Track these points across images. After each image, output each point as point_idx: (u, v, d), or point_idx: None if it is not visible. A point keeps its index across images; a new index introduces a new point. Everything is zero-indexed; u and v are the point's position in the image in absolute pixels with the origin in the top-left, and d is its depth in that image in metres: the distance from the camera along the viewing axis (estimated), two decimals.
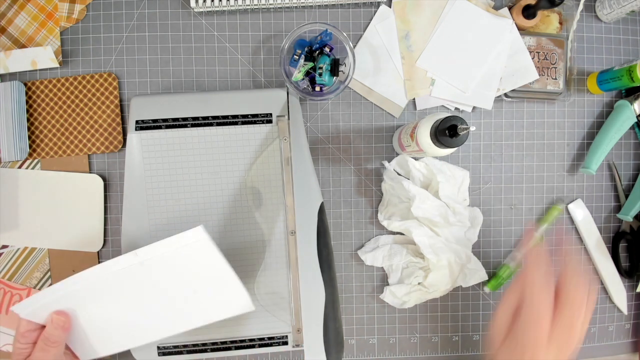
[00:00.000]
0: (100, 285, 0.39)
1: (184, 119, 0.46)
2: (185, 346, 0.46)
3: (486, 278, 0.50)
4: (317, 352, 0.36)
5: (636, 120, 0.50)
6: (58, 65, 0.48)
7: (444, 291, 0.49)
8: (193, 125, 0.46)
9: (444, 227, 0.47)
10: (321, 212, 0.41)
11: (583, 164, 0.51)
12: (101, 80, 0.49)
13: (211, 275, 0.40)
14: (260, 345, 0.46)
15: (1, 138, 0.47)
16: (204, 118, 0.46)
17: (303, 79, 0.47)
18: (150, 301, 0.41)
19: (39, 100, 0.49)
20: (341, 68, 0.48)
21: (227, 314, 0.42)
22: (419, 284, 0.49)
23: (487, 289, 0.51)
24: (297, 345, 0.46)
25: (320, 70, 0.46)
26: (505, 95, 0.51)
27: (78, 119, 0.49)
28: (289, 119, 0.46)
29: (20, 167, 0.49)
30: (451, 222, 0.46)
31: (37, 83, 0.49)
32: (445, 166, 0.49)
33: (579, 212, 0.52)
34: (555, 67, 0.50)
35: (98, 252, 0.49)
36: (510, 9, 0.50)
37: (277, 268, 0.47)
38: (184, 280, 0.40)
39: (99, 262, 0.49)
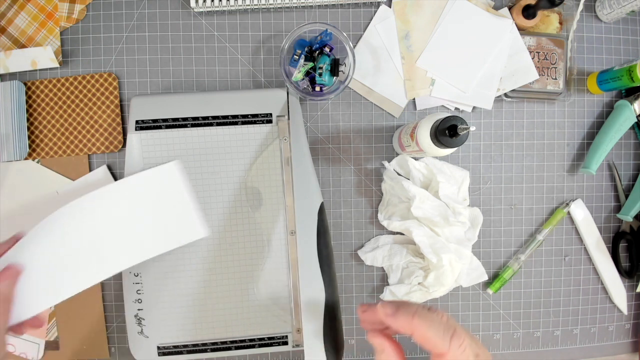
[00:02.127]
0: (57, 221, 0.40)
1: (184, 119, 0.46)
2: (185, 346, 0.46)
3: (486, 278, 0.50)
4: (317, 352, 0.36)
5: (636, 120, 0.50)
6: (58, 65, 0.48)
7: (444, 291, 0.49)
8: (193, 125, 0.46)
9: (444, 227, 0.47)
10: (321, 212, 0.41)
11: (583, 164, 0.51)
12: (101, 80, 0.49)
13: (170, 203, 0.43)
14: (260, 345, 0.46)
15: (1, 138, 0.47)
16: (204, 118, 0.46)
17: (303, 79, 0.47)
18: (104, 233, 0.41)
19: (39, 100, 0.49)
20: (341, 68, 0.48)
21: (182, 241, 0.43)
22: (419, 284, 0.49)
23: (490, 291, 0.51)
24: (297, 345, 0.46)
25: (320, 70, 0.46)
26: (505, 95, 0.51)
27: (78, 119, 0.49)
28: (288, 119, 0.46)
29: None
30: (451, 222, 0.46)
31: (37, 83, 0.49)
32: (445, 166, 0.49)
33: (579, 212, 0.52)
34: (555, 67, 0.50)
35: None
36: (510, 9, 0.50)
37: (277, 268, 0.47)
38: (142, 209, 0.42)
39: None
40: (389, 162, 0.49)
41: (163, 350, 0.46)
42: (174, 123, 0.46)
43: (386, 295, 0.49)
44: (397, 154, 0.50)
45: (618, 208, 0.53)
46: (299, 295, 0.44)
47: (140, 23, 0.49)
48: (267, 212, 0.47)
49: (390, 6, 0.50)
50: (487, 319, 0.52)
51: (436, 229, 0.48)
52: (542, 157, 0.52)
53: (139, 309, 0.46)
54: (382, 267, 0.51)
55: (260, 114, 0.47)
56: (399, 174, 0.50)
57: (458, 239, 0.48)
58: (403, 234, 0.50)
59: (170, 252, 0.46)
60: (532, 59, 0.50)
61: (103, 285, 0.49)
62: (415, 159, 0.49)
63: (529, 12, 0.49)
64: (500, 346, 0.52)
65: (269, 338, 0.46)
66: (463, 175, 0.49)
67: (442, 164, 0.49)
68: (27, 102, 0.48)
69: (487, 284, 0.52)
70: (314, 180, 0.44)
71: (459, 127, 0.36)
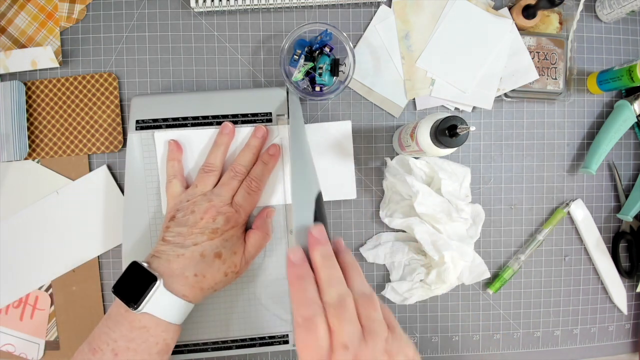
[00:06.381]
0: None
1: (184, 119, 0.46)
2: (185, 345, 0.46)
3: (489, 276, 0.50)
4: None
5: (636, 120, 0.50)
6: (58, 65, 0.48)
7: (445, 288, 0.49)
8: (193, 125, 0.46)
9: (446, 224, 0.47)
10: (319, 199, 0.37)
11: (583, 164, 0.51)
12: (101, 80, 0.49)
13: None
14: (261, 345, 0.46)
15: (1, 138, 0.47)
16: (204, 117, 0.46)
17: (303, 79, 0.47)
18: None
19: (39, 100, 0.49)
20: (341, 68, 0.48)
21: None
22: (420, 280, 0.49)
23: (490, 291, 0.51)
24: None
25: (320, 70, 0.46)
26: (505, 95, 0.51)
27: (78, 119, 0.49)
28: (288, 117, 0.46)
29: None
30: (454, 218, 0.46)
31: (37, 83, 0.49)
32: (447, 164, 0.49)
33: (579, 212, 0.52)
34: (555, 67, 0.50)
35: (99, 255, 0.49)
36: (510, 9, 0.50)
37: (277, 267, 0.47)
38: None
39: (99, 260, 0.49)
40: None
41: None
42: (174, 123, 0.46)
43: (388, 292, 0.49)
44: (397, 154, 0.50)
45: (618, 208, 0.53)
46: None
47: (140, 23, 0.49)
48: None
49: (390, 6, 0.50)
50: (487, 319, 0.52)
51: (438, 225, 0.47)
52: (542, 157, 0.52)
53: None
54: (384, 266, 0.51)
55: (260, 113, 0.47)
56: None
57: (460, 236, 0.48)
58: (405, 232, 0.50)
59: None
60: (532, 59, 0.50)
61: (103, 285, 0.49)
62: (416, 158, 0.49)
63: (529, 12, 0.49)
64: (500, 346, 0.52)
65: (270, 337, 0.46)
66: (464, 172, 0.49)
67: (443, 162, 0.49)
68: (27, 102, 0.48)
69: (487, 284, 0.52)
70: (311, 169, 0.40)
71: (459, 127, 0.36)
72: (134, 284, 0.38)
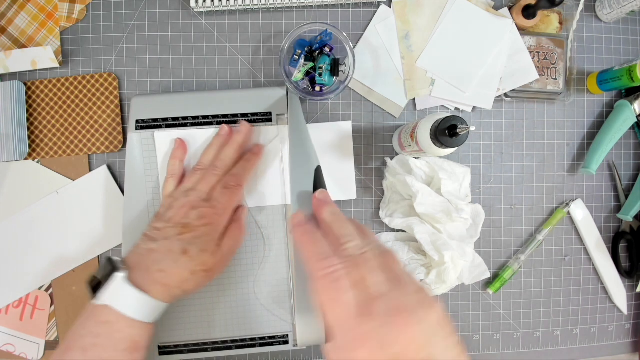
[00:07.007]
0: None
1: (184, 119, 0.46)
2: (185, 345, 0.46)
3: (489, 275, 0.50)
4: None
5: (636, 120, 0.50)
6: (58, 65, 0.48)
7: (445, 288, 0.49)
8: (193, 125, 0.46)
9: (446, 224, 0.47)
10: (318, 171, 0.37)
11: (583, 164, 0.51)
12: (101, 80, 0.49)
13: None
14: (261, 345, 0.46)
15: (1, 138, 0.47)
16: (204, 117, 0.46)
17: (303, 79, 0.47)
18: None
19: (39, 100, 0.49)
20: (341, 68, 0.48)
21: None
22: (420, 280, 0.49)
23: (490, 291, 0.51)
24: (298, 345, 0.46)
25: (320, 70, 0.46)
26: (505, 95, 0.51)
27: (78, 119, 0.49)
28: (288, 117, 0.46)
29: None
30: (454, 218, 0.46)
31: (37, 83, 0.49)
32: (446, 164, 0.49)
33: (579, 212, 0.52)
34: (555, 67, 0.50)
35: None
36: (510, 9, 0.50)
37: (277, 267, 0.47)
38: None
39: (98, 260, 0.49)
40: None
41: (163, 350, 0.46)
42: (174, 123, 0.46)
43: None
44: (397, 154, 0.50)
45: (618, 208, 0.53)
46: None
47: (140, 23, 0.49)
48: (267, 211, 0.47)
49: (390, 6, 0.50)
50: (487, 319, 0.52)
51: (438, 225, 0.47)
52: (542, 157, 0.52)
53: None
54: None
55: (260, 113, 0.47)
56: None
57: (460, 236, 0.48)
58: (405, 232, 0.50)
59: None
60: (532, 59, 0.50)
61: None
62: (416, 158, 0.49)
63: (529, 12, 0.49)
64: (500, 346, 0.52)
65: (270, 337, 0.46)
66: (464, 172, 0.49)
67: (443, 162, 0.49)
68: (27, 102, 0.48)
69: (487, 284, 0.52)
70: (311, 148, 0.40)
71: (458, 127, 0.36)
72: (103, 277, 0.37)
